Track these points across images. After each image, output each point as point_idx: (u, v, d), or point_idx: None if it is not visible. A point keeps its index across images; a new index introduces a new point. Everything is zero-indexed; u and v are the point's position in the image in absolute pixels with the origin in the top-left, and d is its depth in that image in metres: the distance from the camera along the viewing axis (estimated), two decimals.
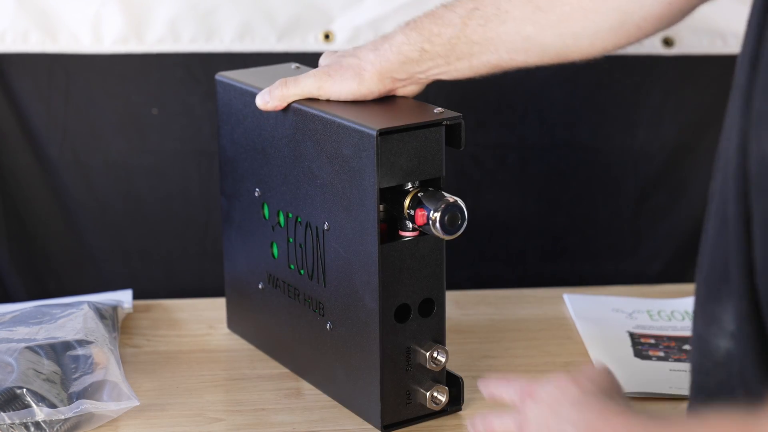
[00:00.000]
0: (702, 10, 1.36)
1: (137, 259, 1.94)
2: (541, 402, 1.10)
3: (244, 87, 1.50)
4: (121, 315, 1.62)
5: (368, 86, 1.41)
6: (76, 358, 1.43)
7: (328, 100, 1.42)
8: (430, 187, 1.35)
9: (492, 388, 1.21)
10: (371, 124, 1.32)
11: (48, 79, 1.87)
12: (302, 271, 1.46)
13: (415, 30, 1.41)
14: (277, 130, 1.45)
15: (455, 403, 1.42)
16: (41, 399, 1.35)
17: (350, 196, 1.35)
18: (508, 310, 1.70)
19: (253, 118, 1.49)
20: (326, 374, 1.45)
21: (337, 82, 1.41)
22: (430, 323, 1.38)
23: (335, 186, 1.37)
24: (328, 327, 1.42)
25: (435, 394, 1.38)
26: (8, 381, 1.37)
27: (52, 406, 1.35)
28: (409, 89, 1.44)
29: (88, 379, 1.41)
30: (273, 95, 1.43)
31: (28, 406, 1.34)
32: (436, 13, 1.41)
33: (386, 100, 1.43)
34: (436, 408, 1.39)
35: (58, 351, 1.44)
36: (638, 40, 1.37)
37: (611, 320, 1.65)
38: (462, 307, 1.70)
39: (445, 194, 1.32)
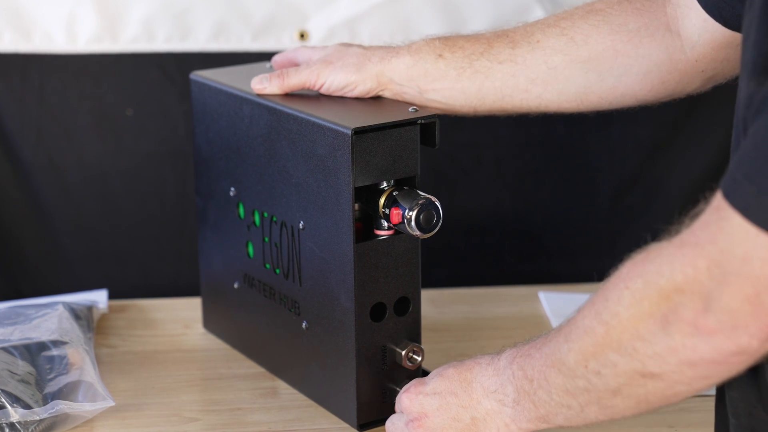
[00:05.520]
0: None
1: (113, 260, 1.94)
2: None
3: (219, 86, 1.50)
4: (96, 315, 1.62)
5: (363, 79, 1.40)
6: (51, 358, 1.43)
7: (305, 97, 1.42)
8: (405, 186, 1.35)
9: None
10: (346, 123, 1.31)
11: (21, 79, 1.86)
12: (278, 271, 1.45)
13: (439, 39, 1.41)
14: (252, 130, 1.45)
15: None
16: (16, 400, 1.35)
17: (325, 195, 1.35)
18: (483, 309, 1.70)
19: (228, 118, 1.49)
20: (302, 373, 1.45)
21: (336, 69, 1.41)
22: (406, 322, 1.38)
23: (310, 185, 1.37)
24: (303, 326, 1.42)
25: None
26: None
27: (27, 407, 1.35)
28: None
29: (63, 380, 1.40)
30: (272, 83, 1.43)
31: (2, 407, 1.34)
32: (467, 34, 1.42)
33: (362, 99, 1.42)
34: None
35: (32, 352, 1.43)
36: (657, 96, 1.38)
37: None
38: (438, 305, 1.70)
39: (421, 193, 1.32)
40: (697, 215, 0.99)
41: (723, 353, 0.98)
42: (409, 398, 1.27)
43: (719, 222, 0.96)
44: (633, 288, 1.02)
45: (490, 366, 1.21)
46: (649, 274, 1.01)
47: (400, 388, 1.37)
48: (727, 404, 1.12)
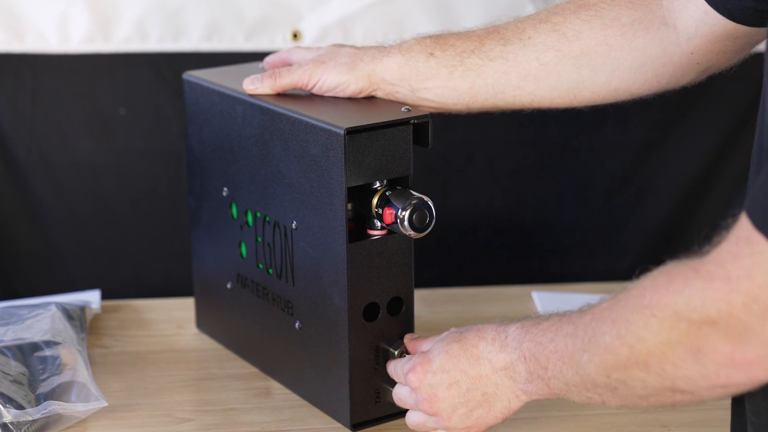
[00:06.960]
0: None
1: (105, 260, 1.94)
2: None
3: (211, 86, 1.50)
4: (89, 315, 1.61)
5: (355, 78, 1.40)
6: (44, 359, 1.43)
7: (298, 97, 1.42)
8: (398, 186, 1.35)
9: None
10: (339, 122, 1.32)
11: (14, 79, 1.86)
12: (271, 271, 1.45)
13: (430, 37, 1.41)
14: (245, 130, 1.45)
15: None
16: (8, 400, 1.34)
17: (318, 195, 1.35)
18: (476, 308, 1.70)
19: (221, 118, 1.49)
20: (295, 373, 1.45)
21: (328, 69, 1.41)
22: (399, 322, 1.38)
23: (303, 185, 1.37)
24: (297, 326, 1.42)
25: None
26: None
27: (20, 407, 1.35)
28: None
29: (55, 380, 1.40)
30: (264, 83, 1.43)
31: None
32: (458, 32, 1.42)
33: (354, 98, 1.42)
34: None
35: (25, 352, 1.43)
36: (651, 89, 1.38)
37: None
38: (431, 305, 1.71)
39: (413, 193, 1.33)
40: (719, 242, 0.97)
41: (758, 381, 0.97)
42: (417, 378, 1.27)
43: (753, 256, 0.94)
44: (661, 317, 1.00)
45: (496, 342, 1.21)
46: (678, 306, 0.99)
47: (393, 388, 1.37)
48: (745, 403, 1.11)
